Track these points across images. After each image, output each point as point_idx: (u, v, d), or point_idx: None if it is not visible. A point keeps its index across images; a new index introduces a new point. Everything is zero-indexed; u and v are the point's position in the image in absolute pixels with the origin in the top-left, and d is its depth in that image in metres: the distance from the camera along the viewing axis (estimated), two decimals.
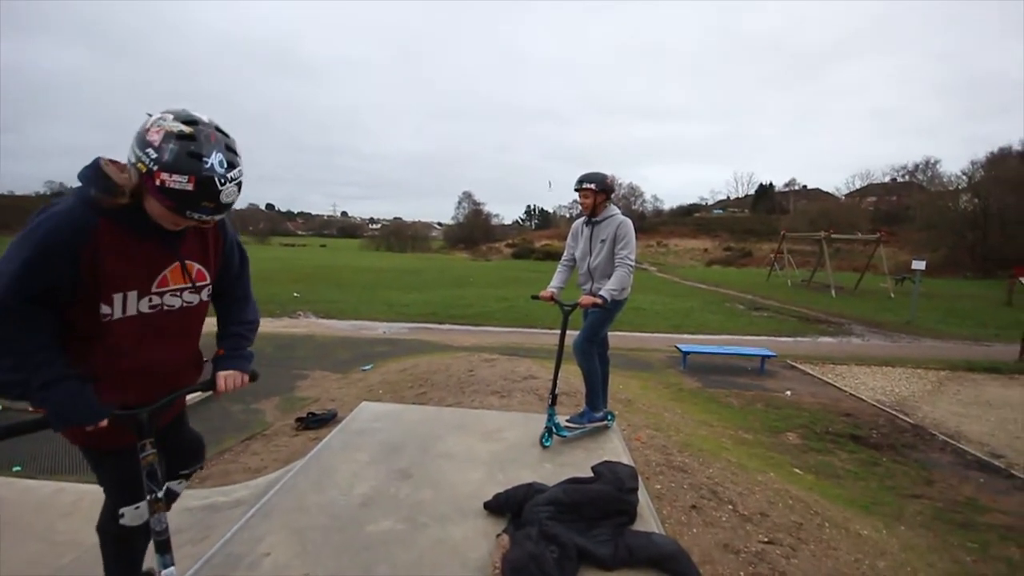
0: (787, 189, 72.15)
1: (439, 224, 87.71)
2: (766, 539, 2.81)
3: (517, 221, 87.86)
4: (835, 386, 8.30)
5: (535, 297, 3.46)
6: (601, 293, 3.12)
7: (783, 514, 3.18)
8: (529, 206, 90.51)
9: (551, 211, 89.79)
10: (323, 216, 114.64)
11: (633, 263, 3.24)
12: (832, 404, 7.26)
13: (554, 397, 3.22)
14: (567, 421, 3.35)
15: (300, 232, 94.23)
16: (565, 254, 3.65)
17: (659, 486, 3.31)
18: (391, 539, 2.14)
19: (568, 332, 3.28)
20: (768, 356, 9.24)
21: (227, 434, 5.09)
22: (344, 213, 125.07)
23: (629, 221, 3.32)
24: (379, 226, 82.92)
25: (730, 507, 3.14)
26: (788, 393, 7.67)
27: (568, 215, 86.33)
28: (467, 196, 69.11)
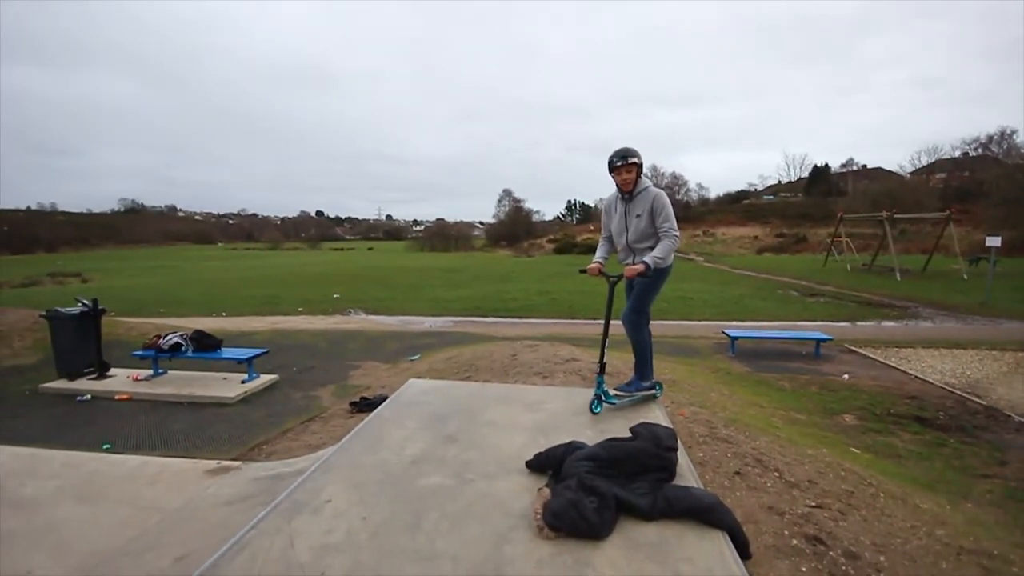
0: (844, 170, 68.04)
1: (480, 223, 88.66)
2: (814, 503, 2.76)
3: (559, 216, 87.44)
4: (899, 369, 7.85)
5: (583, 271, 3.47)
6: (645, 260, 3.14)
7: (833, 483, 3.10)
8: (570, 201, 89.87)
9: (592, 205, 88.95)
10: (369, 220, 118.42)
11: (678, 232, 3.27)
12: (895, 387, 6.88)
13: (602, 365, 3.27)
14: (616, 389, 3.42)
15: (348, 236, 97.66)
16: (603, 231, 3.68)
17: (702, 454, 3.30)
18: (440, 492, 2.28)
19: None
20: (823, 340, 8.84)
21: (289, 417, 5.44)
22: (389, 216, 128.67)
23: (663, 192, 3.33)
24: (422, 228, 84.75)
25: (776, 474, 3.09)
26: (846, 376, 7.33)
27: None
28: (507, 194, 69.48)
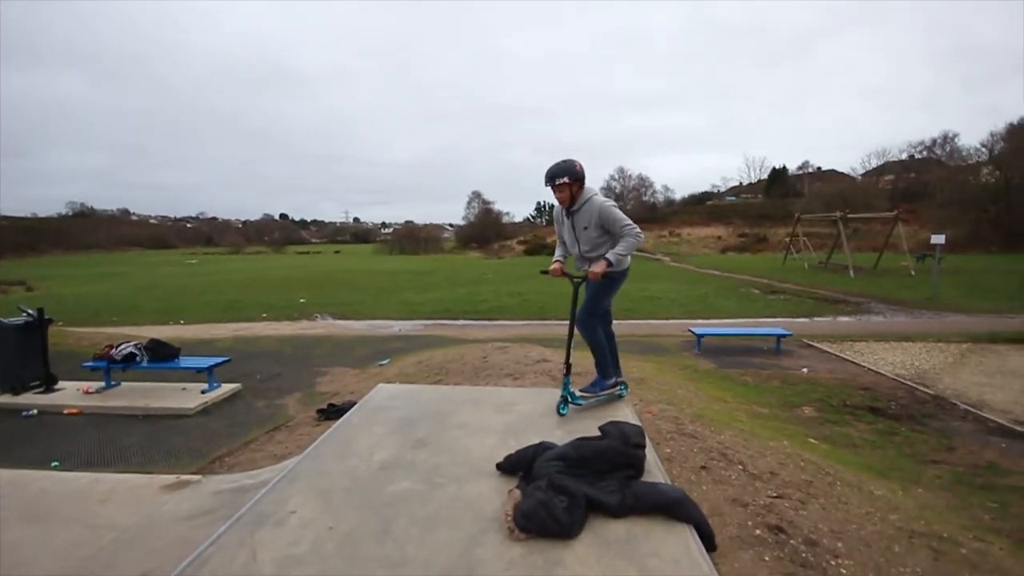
0: (801, 172, 70.91)
1: (450, 225, 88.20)
2: (775, 494, 2.86)
3: (528, 218, 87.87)
4: (853, 362, 8.22)
5: (544, 272, 3.46)
6: (607, 256, 3.10)
7: (793, 473, 3.22)
8: (539, 202, 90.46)
9: None
10: (336, 223, 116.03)
11: (637, 229, 3.18)
12: (850, 379, 7.20)
13: (568, 367, 3.26)
14: (581, 390, 3.43)
15: (314, 240, 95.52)
16: (556, 230, 3.60)
17: (669, 450, 3.37)
18: (410, 497, 2.25)
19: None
20: (783, 335, 9.18)
21: (252, 427, 5.27)
22: (356, 219, 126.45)
23: (607, 201, 3.24)
24: (391, 230, 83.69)
25: (740, 467, 3.18)
26: (805, 370, 7.63)
27: None
28: (476, 196, 69.29)
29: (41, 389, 5.99)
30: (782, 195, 62.00)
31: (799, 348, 9.28)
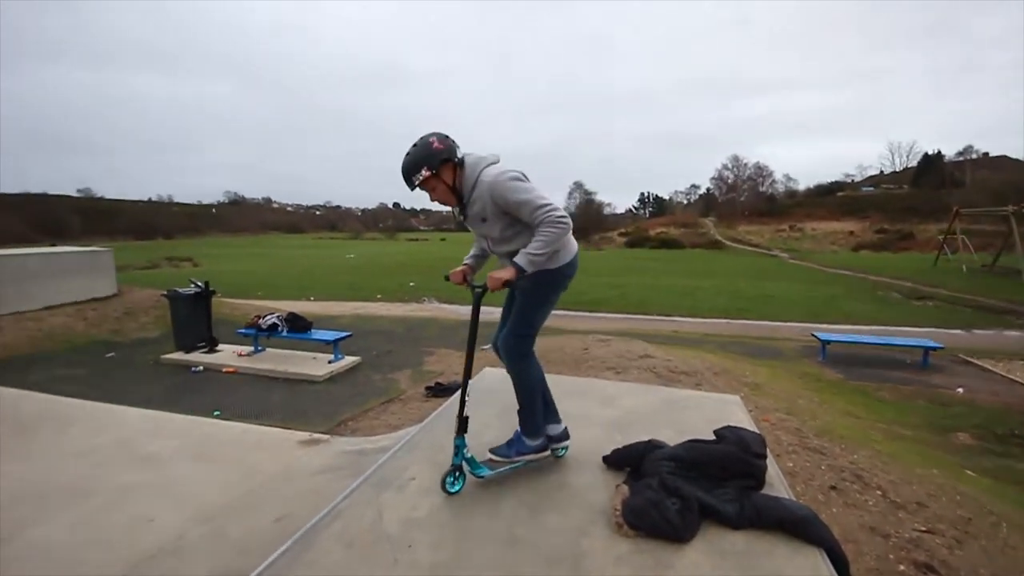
0: (961, 159, 60.36)
1: None
2: (924, 528, 2.50)
3: (630, 209, 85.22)
4: None
5: (447, 278, 2.56)
6: (516, 261, 2.12)
7: (947, 507, 2.79)
8: (643, 193, 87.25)
9: (667, 197, 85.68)
10: (442, 212, 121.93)
11: (557, 213, 2.13)
12: (1019, 404, 6.06)
13: (463, 421, 2.28)
14: (492, 452, 2.40)
15: (422, 227, 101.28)
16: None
17: (791, 464, 3.10)
18: (517, 480, 2.31)
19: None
20: (933, 348, 7.96)
21: (370, 397, 5.77)
22: None
23: (506, 173, 2.17)
24: None
25: (879, 492, 2.83)
26: (960, 390, 6.56)
27: (686, 201, 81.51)
28: (578, 186, 68.57)
29: (206, 349, 7.08)
30: (935, 186, 53.37)
31: (953, 364, 7.99)
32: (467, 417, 2.30)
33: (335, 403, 5.55)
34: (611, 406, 3.28)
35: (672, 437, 2.74)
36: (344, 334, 7.30)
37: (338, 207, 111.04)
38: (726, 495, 2.05)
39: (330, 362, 6.80)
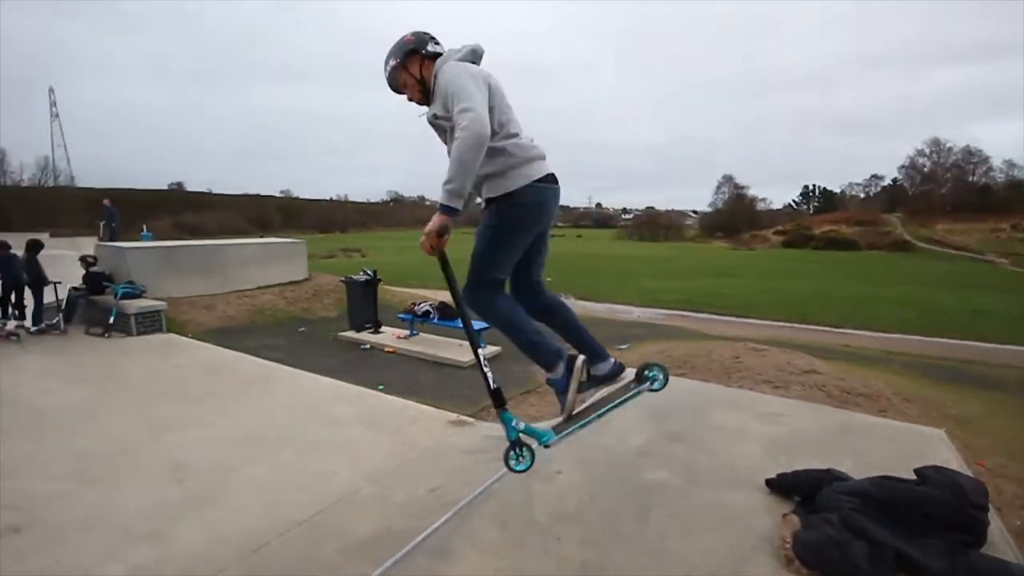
0: None
1: (694, 212, 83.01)
2: None
3: (790, 204, 75.85)
4: None
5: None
6: (439, 202, 1.85)
7: None
8: (807, 186, 76.95)
9: (838, 191, 74.27)
10: (579, 208, 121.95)
11: (464, 120, 1.75)
12: None
13: (496, 393, 2.17)
14: (554, 427, 2.18)
15: (560, 224, 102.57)
16: None
17: (1019, 522, 2.48)
18: (667, 490, 2.22)
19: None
20: None
21: (510, 386, 6.00)
22: (598, 205, 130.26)
23: (457, 67, 1.89)
24: (631, 216, 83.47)
25: None
26: None
27: (863, 194, 69.81)
28: (727, 180, 63.20)
29: (372, 330, 8.05)
30: None
31: None
32: (498, 388, 2.15)
33: (478, 389, 5.87)
34: (773, 423, 2.97)
35: (853, 470, 2.38)
36: (486, 325, 7.71)
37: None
38: (932, 548, 1.72)
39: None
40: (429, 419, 4.71)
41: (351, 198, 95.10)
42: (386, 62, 2.05)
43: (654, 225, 60.93)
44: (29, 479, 3.47)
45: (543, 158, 2.02)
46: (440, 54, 2.00)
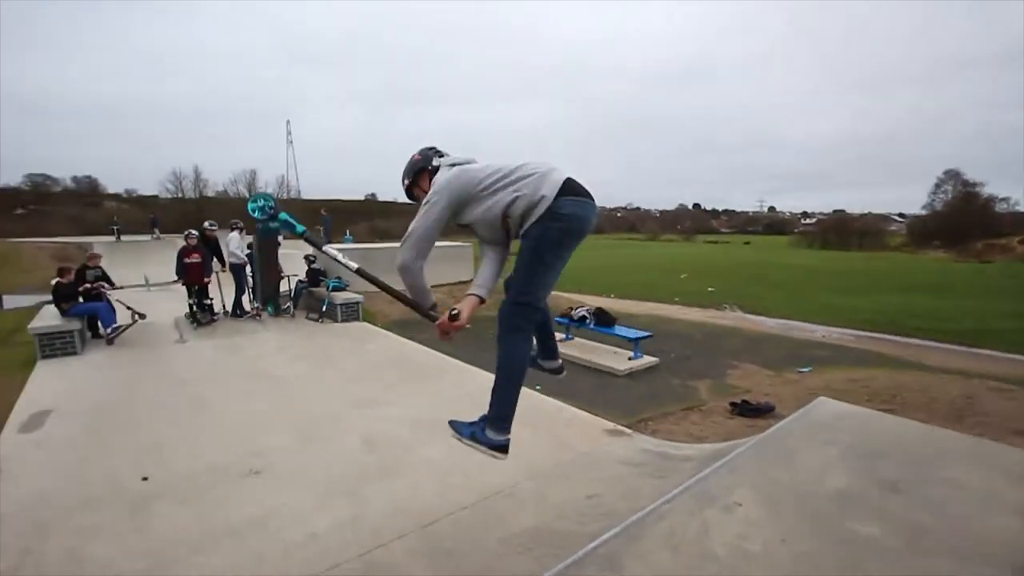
0: None
1: (900, 216, 69.23)
2: None
3: None
4: None
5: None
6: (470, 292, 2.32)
7: None
8: None
9: None
10: (748, 212, 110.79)
11: (403, 243, 2.04)
12: None
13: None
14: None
15: (724, 230, 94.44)
16: None
17: None
18: (886, 551, 1.85)
19: None
20: None
21: (668, 400, 5.70)
22: (772, 208, 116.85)
23: (434, 180, 2.12)
24: (814, 220, 72.95)
25: None
26: None
27: None
28: (952, 176, 51.05)
29: None
30: None
31: None
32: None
33: (634, 399, 5.71)
34: None
35: None
36: (645, 333, 7.43)
37: (637, 209, 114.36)
38: None
39: (630, 359, 7.03)
40: (585, 424, 4.69)
41: None
42: (402, 180, 2.39)
43: (844, 231, 52.07)
44: (266, 433, 4.35)
45: (556, 175, 2.03)
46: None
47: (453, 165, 2.15)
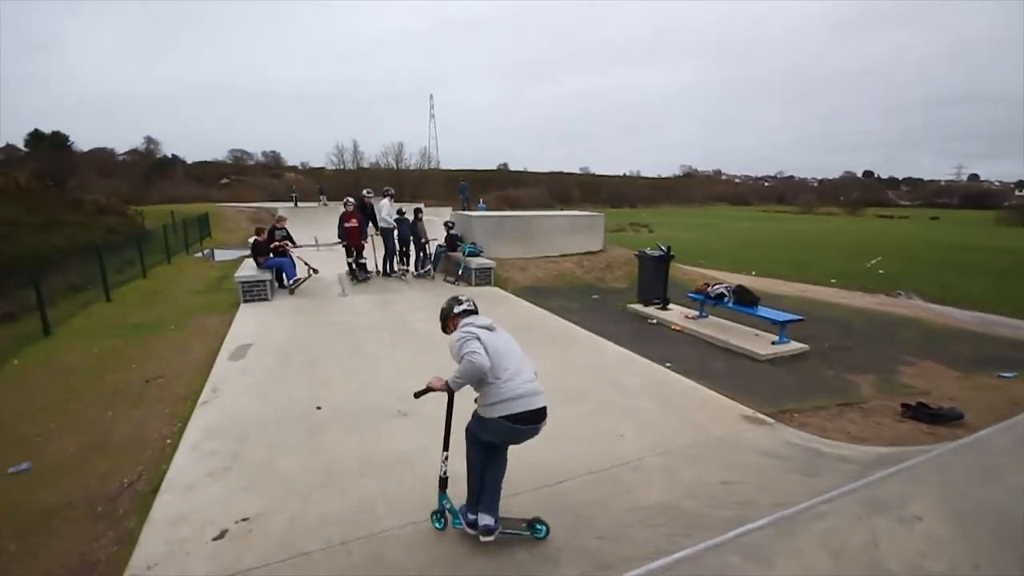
0: None
1: None
2: None
3: None
4: None
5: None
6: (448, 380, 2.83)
7: None
8: None
9: None
10: (938, 182, 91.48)
11: (471, 357, 2.69)
12: None
13: (442, 480, 2.82)
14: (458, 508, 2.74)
15: (903, 202, 79.46)
16: None
17: None
18: None
19: None
20: None
21: (820, 394, 5.09)
22: (974, 176, 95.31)
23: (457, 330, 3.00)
24: None
25: None
26: None
27: None
28: None
29: (660, 306, 8.01)
30: None
31: None
32: (447, 477, 2.78)
33: (777, 387, 5.20)
34: None
35: None
36: (794, 316, 6.66)
37: (790, 177, 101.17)
38: None
39: (774, 343, 6.38)
40: (719, 407, 4.41)
41: (644, 173, 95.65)
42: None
43: None
44: (410, 381, 4.82)
45: (525, 396, 2.66)
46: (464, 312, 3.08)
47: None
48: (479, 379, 2.64)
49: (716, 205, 73.73)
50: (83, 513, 2.91)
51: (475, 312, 3.08)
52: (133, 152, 50.93)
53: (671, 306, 8.04)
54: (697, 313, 7.56)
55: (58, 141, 43.47)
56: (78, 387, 4.71)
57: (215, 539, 2.55)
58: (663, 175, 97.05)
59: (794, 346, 6.40)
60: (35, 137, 43.28)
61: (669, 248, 8.01)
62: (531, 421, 2.61)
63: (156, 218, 18.37)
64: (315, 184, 38.30)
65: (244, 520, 2.71)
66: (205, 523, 2.67)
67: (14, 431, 3.87)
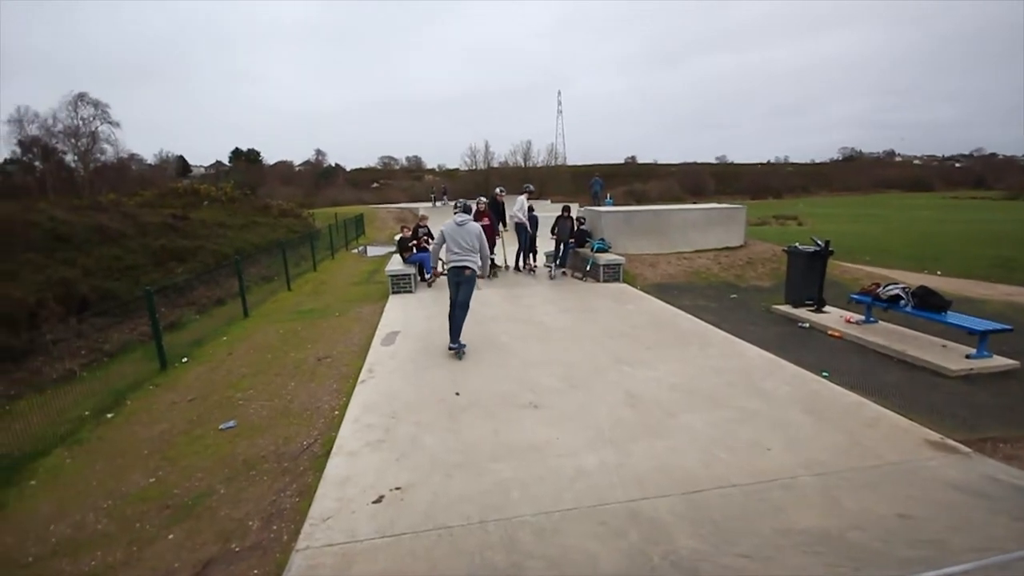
0: None
1: None
2: None
3: None
4: None
5: None
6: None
7: None
8: None
9: None
10: None
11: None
12: None
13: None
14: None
15: (988, 189, 59.94)
16: None
17: None
18: None
19: None
20: None
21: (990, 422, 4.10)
22: None
23: None
24: None
25: None
26: None
27: None
28: None
29: (813, 308, 7.11)
30: None
31: None
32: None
33: (974, 410, 4.30)
34: None
35: None
36: (999, 326, 5.42)
37: (992, 155, 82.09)
38: None
39: (969, 356, 5.28)
40: (895, 428, 3.78)
41: (792, 159, 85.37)
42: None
43: None
44: (539, 373, 4.94)
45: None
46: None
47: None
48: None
49: (887, 192, 63.05)
50: (273, 467, 3.49)
51: (467, 213, 5.42)
52: (306, 163, 59.75)
53: (828, 308, 7.11)
54: (863, 318, 6.58)
55: (252, 156, 53.10)
56: (269, 361, 5.64)
57: (374, 502, 2.89)
58: (816, 160, 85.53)
59: (998, 361, 5.25)
60: (235, 154, 53.42)
61: (828, 243, 7.07)
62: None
63: (323, 219, 21.27)
64: (452, 185, 40.89)
65: (397, 489, 3.02)
66: (366, 487, 3.04)
67: (224, 395, 4.77)
